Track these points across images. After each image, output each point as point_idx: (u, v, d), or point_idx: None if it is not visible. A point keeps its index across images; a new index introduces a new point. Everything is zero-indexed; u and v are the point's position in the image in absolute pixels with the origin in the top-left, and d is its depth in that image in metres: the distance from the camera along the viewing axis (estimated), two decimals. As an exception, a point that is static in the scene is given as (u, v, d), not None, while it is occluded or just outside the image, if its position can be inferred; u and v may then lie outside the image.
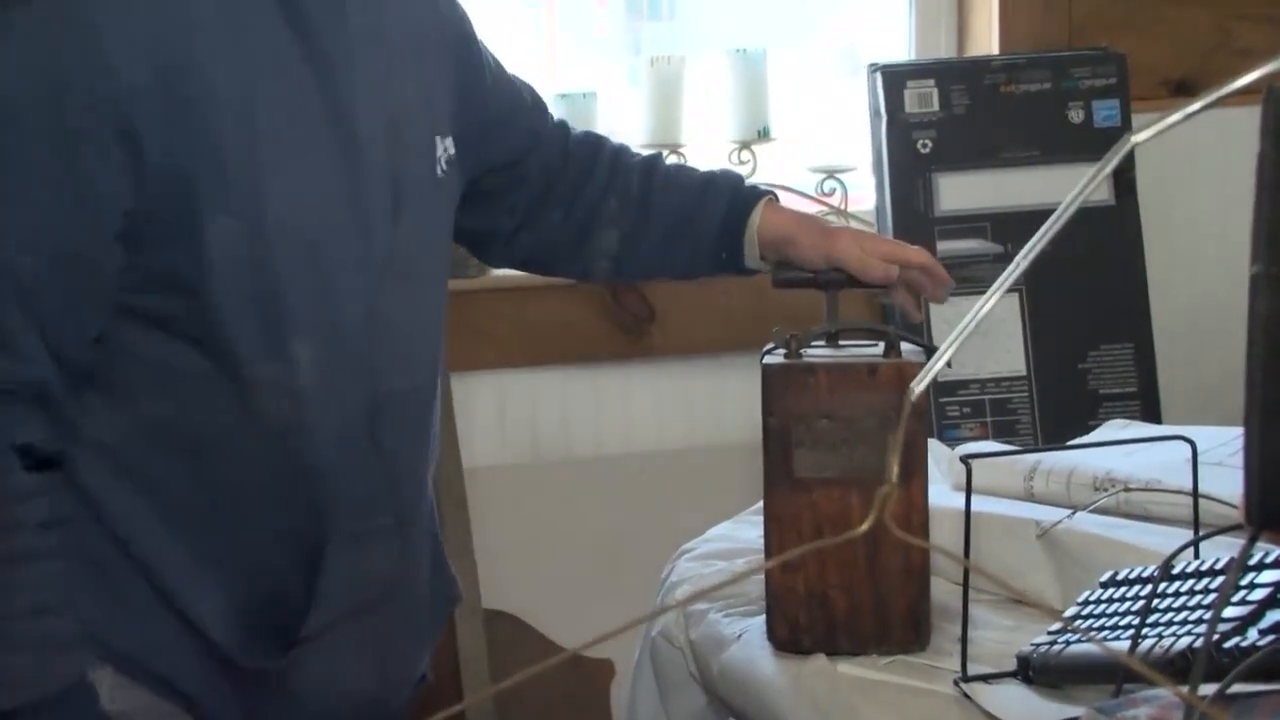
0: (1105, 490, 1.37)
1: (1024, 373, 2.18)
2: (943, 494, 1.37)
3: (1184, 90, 2.37)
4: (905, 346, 1.26)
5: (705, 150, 2.23)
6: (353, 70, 1.23)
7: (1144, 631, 1.05)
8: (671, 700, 1.41)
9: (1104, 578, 1.18)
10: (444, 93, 1.34)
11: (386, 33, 1.27)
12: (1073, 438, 1.63)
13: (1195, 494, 1.24)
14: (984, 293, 0.70)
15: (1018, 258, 0.71)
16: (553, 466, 2.28)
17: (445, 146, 1.33)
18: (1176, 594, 1.09)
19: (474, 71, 1.41)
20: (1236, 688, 0.94)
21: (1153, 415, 2.15)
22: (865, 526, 0.64)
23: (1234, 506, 1.25)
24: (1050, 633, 1.15)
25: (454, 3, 1.41)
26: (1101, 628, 1.11)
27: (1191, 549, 1.16)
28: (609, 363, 2.27)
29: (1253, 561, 1.05)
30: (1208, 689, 0.94)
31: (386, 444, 1.27)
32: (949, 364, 0.73)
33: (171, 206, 1.16)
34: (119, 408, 1.23)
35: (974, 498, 1.19)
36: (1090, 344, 2.20)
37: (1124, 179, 2.21)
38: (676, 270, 1.53)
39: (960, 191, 2.18)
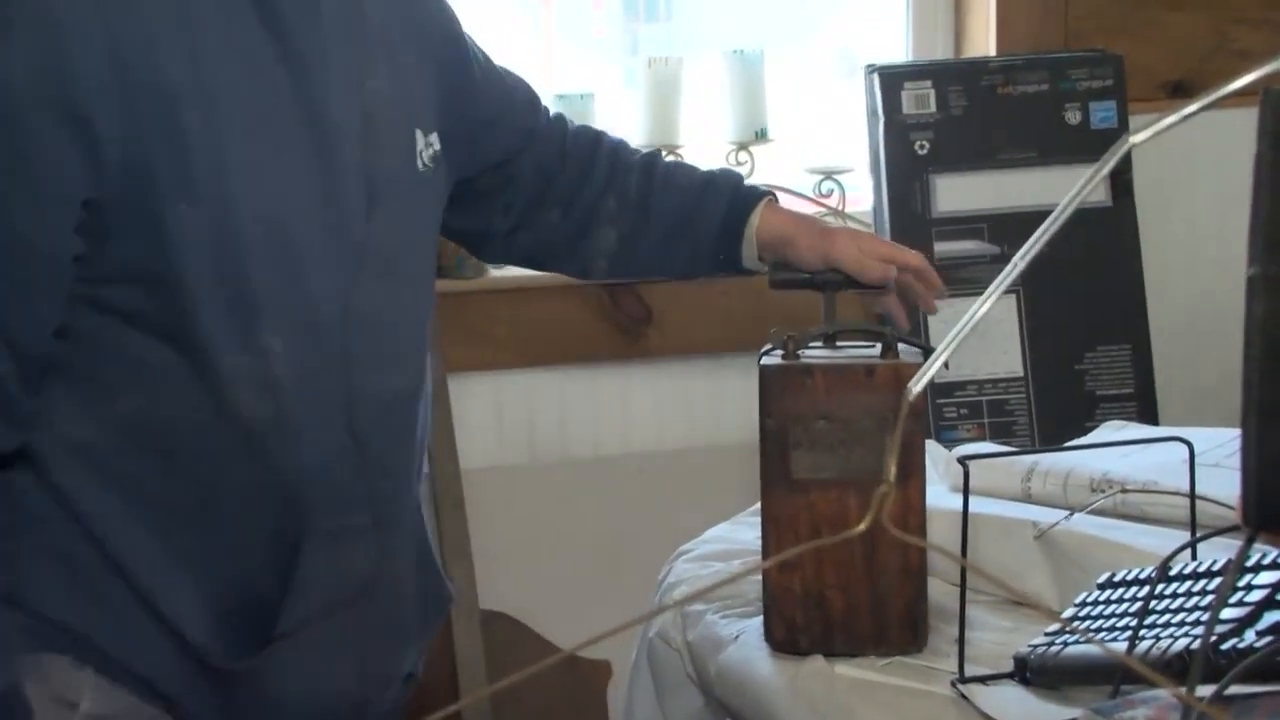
0: (1103, 491, 1.37)
1: (1021, 374, 2.18)
2: (940, 495, 1.37)
3: (1181, 92, 2.37)
4: (902, 348, 1.26)
5: (703, 151, 2.23)
6: (327, 68, 1.22)
7: (1142, 632, 1.06)
8: (669, 701, 1.41)
9: (1101, 579, 1.18)
10: (428, 90, 1.34)
11: (364, 30, 1.26)
12: (1070, 439, 1.63)
13: (1192, 495, 1.24)
14: (981, 294, 0.70)
15: (1015, 259, 0.71)
16: (550, 467, 2.28)
17: (429, 142, 1.32)
18: (1174, 595, 1.09)
19: (461, 69, 1.40)
20: (1234, 689, 0.94)
21: (1150, 416, 2.15)
22: (863, 527, 0.64)
23: (1231, 508, 1.25)
24: (1048, 634, 1.15)
25: (442, 8, 1.40)
26: (1099, 629, 1.11)
27: (1189, 550, 1.16)
28: (606, 364, 2.27)
29: (1250, 563, 1.05)
30: (1205, 690, 0.94)
31: (366, 441, 1.27)
32: (946, 365, 0.73)
33: (133, 196, 1.16)
34: (92, 405, 1.22)
35: (971, 499, 1.19)
36: (1087, 345, 2.20)
37: (1121, 180, 2.21)
38: (674, 270, 1.53)
39: (957, 192, 2.19)
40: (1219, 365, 2.22)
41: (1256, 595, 1.01)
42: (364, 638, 1.31)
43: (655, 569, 1.52)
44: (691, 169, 1.50)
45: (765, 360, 1.26)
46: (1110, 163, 0.70)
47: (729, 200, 1.44)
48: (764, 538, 1.26)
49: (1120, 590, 1.15)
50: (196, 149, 1.16)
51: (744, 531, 1.50)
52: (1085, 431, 1.72)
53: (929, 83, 2.20)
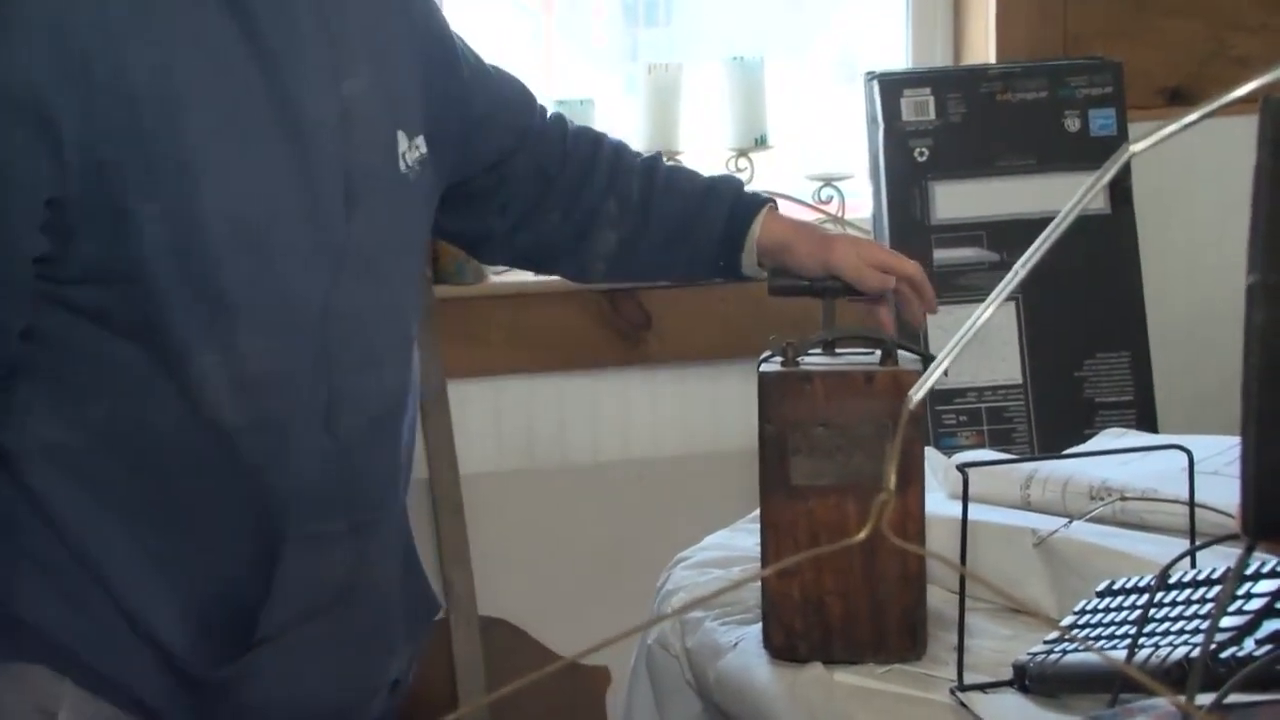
0: (1102, 499, 1.37)
1: (1020, 381, 2.18)
2: (939, 502, 1.37)
3: (1180, 99, 2.37)
4: (902, 354, 1.26)
5: (703, 157, 2.23)
6: (302, 66, 1.21)
7: (1141, 641, 1.06)
8: (667, 708, 1.40)
9: (1101, 587, 1.18)
10: (413, 93, 1.33)
11: (345, 30, 1.25)
12: (1069, 446, 1.63)
13: (1191, 503, 1.24)
14: (980, 301, 0.70)
15: (1015, 267, 0.71)
16: (549, 473, 2.28)
17: (415, 145, 1.31)
18: (1173, 603, 1.09)
19: (449, 70, 1.39)
20: (1233, 697, 0.94)
21: (1149, 424, 2.15)
22: (863, 535, 0.64)
23: (1230, 516, 1.25)
24: (1047, 642, 1.15)
25: (429, 10, 1.39)
26: (1098, 637, 1.11)
27: (1188, 558, 1.16)
28: (606, 369, 2.27)
29: (1249, 571, 1.05)
30: (1205, 698, 0.94)
31: (346, 444, 1.25)
32: (945, 372, 0.73)
33: (98, 195, 1.15)
34: (63, 408, 1.21)
35: (970, 506, 1.19)
36: (1086, 353, 2.20)
37: (1120, 188, 2.21)
38: (673, 274, 1.53)
39: (957, 199, 2.19)
40: (1218, 373, 2.22)
41: (1256, 604, 1.01)
42: (346, 645, 1.30)
43: (654, 575, 1.52)
44: (693, 174, 1.49)
45: (764, 367, 1.26)
46: (1110, 172, 0.70)
47: (730, 207, 1.43)
48: (763, 544, 1.26)
49: (1119, 598, 1.15)
50: (161, 148, 1.15)
51: (743, 538, 1.50)
52: (1084, 439, 1.71)
53: (928, 90, 2.20)
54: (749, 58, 2.27)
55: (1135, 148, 0.69)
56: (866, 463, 1.22)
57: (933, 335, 2.11)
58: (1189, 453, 1.23)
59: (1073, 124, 2.22)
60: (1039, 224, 0.70)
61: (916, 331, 2.07)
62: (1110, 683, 1.06)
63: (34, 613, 1.22)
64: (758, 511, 1.27)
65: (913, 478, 1.22)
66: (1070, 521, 1.33)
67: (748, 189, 1.48)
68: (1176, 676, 0.99)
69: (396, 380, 1.32)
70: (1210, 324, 2.31)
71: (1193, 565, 1.15)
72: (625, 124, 2.26)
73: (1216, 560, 1.15)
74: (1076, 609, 1.19)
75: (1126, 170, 2.24)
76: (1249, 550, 0.87)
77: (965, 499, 1.18)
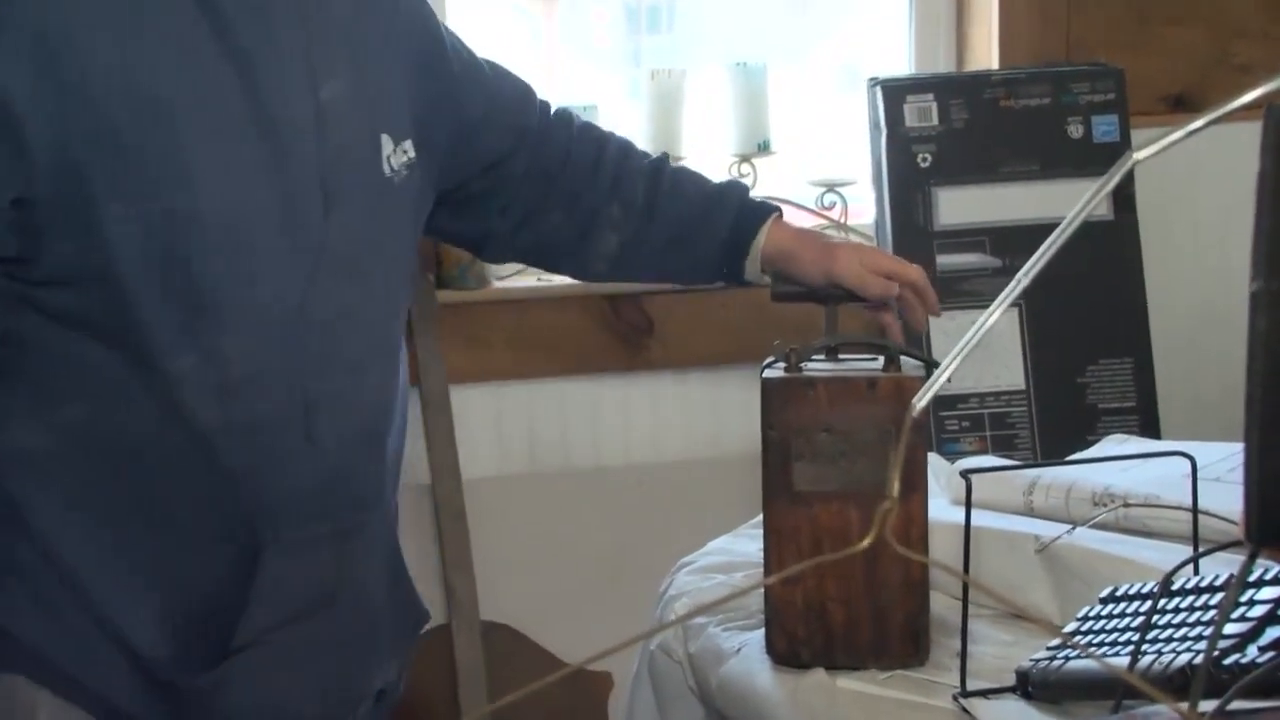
0: (1105, 505, 1.37)
1: (1023, 387, 2.18)
2: (942, 508, 1.37)
3: (1182, 105, 2.37)
4: (905, 361, 1.26)
5: (705, 162, 2.23)
6: (277, 66, 1.19)
7: (1144, 647, 1.05)
8: (670, 713, 1.40)
9: (1103, 593, 1.18)
10: (398, 95, 1.31)
11: (327, 31, 1.24)
12: (1072, 452, 1.63)
13: (1195, 510, 1.24)
14: (983, 307, 0.71)
15: (1019, 274, 0.71)
16: (551, 478, 2.28)
17: (403, 149, 1.30)
18: (1176, 610, 1.09)
19: (438, 71, 1.38)
20: (1236, 704, 0.94)
21: (1151, 430, 2.15)
22: (866, 542, 0.64)
23: (1233, 522, 1.25)
24: (1050, 648, 1.15)
25: (416, 10, 1.38)
26: (1101, 643, 1.11)
27: (1191, 565, 1.16)
28: (608, 374, 2.28)
29: (1252, 578, 1.05)
30: (1207, 705, 0.94)
31: (326, 447, 1.24)
32: (949, 379, 0.73)
33: (66, 195, 1.13)
34: (37, 412, 1.20)
35: (973, 512, 1.19)
36: (1089, 359, 2.20)
37: (1123, 195, 2.21)
38: (675, 277, 1.53)
39: (960, 205, 2.19)
40: (1220, 379, 2.23)
41: (1258, 610, 1.01)
42: (328, 652, 1.29)
43: (655, 580, 1.52)
44: (699, 178, 1.49)
45: (768, 372, 1.26)
46: (1114, 179, 0.70)
47: (735, 215, 1.43)
48: (766, 550, 1.26)
49: (1122, 605, 1.15)
50: (130, 147, 1.14)
51: (745, 543, 1.50)
52: (1087, 445, 1.72)
53: (931, 96, 2.20)
54: (752, 63, 2.28)
55: (1139, 155, 0.69)
56: (869, 469, 1.22)
57: (935, 340, 2.11)
58: (1192, 459, 1.23)
59: (1075, 130, 2.22)
60: (1042, 230, 0.70)
61: (919, 335, 2.08)
62: (1113, 689, 1.06)
63: (10, 621, 1.21)
64: (760, 517, 1.27)
65: (916, 484, 1.22)
66: (1073, 528, 1.33)
67: (753, 195, 1.48)
68: (1179, 683, 0.99)
69: (380, 385, 1.30)
70: (1212, 330, 2.32)
71: (1195, 572, 1.15)
72: (628, 129, 2.26)
73: (1219, 567, 1.15)
74: (1079, 615, 1.19)
75: (1129, 177, 2.24)
76: (1252, 557, 0.87)
77: (968, 505, 1.19)
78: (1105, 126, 2.23)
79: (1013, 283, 0.71)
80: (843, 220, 2.30)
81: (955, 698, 1.16)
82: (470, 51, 1.44)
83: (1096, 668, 1.08)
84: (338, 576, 1.28)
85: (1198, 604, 1.08)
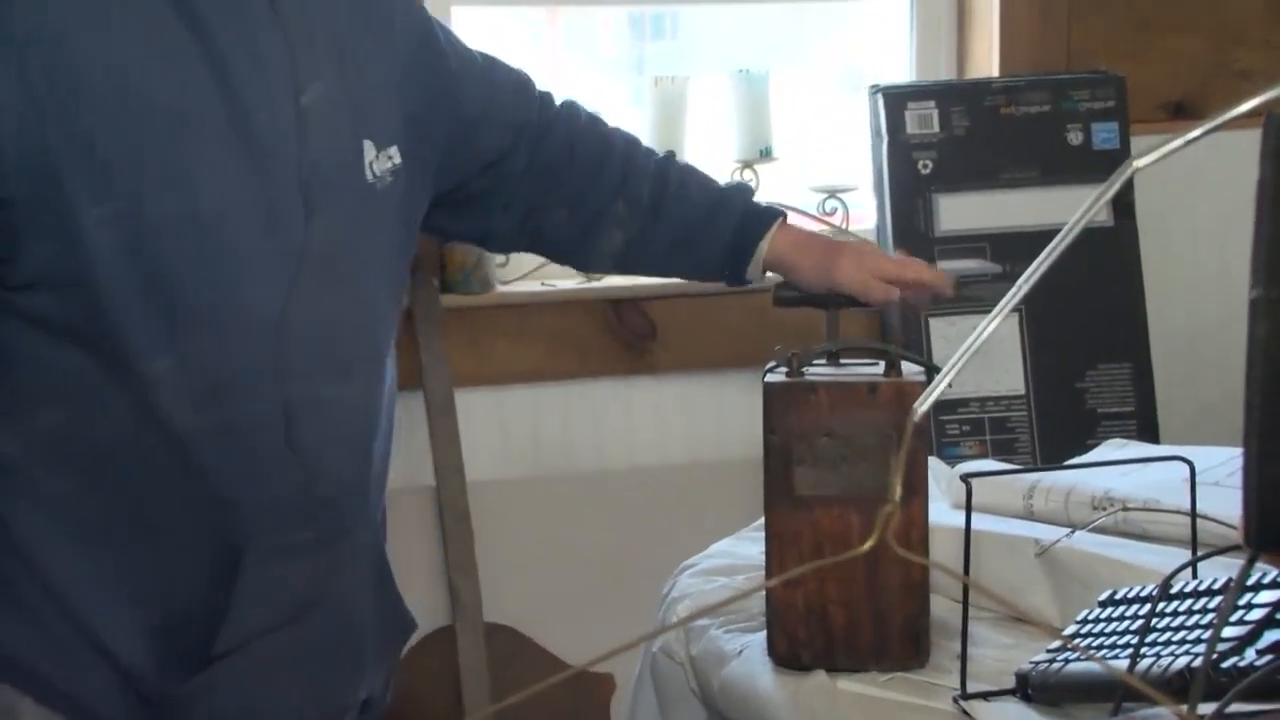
0: (1104, 509, 1.38)
1: (1023, 392, 2.19)
2: (942, 512, 1.37)
3: (1182, 113, 2.38)
4: (905, 366, 1.26)
5: (708, 168, 2.24)
6: (257, 68, 1.18)
7: (1143, 650, 1.06)
8: (672, 715, 1.41)
9: (1103, 596, 1.19)
10: (384, 101, 1.30)
11: (311, 35, 1.23)
12: (1071, 456, 1.64)
13: (1193, 514, 1.24)
14: (984, 312, 0.71)
15: (1020, 281, 0.72)
16: (554, 481, 2.28)
17: (386, 155, 1.29)
18: (1175, 613, 1.09)
19: (433, 70, 1.37)
20: (1235, 707, 0.95)
21: (1150, 434, 2.16)
22: (868, 545, 0.65)
23: (1231, 527, 1.25)
24: (1049, 651, 1.15)
25: (408, 10, 1.37)
26: (1100, 646, 1.11)
27: (1190, 569, 1.17)
28: (610, 378, 2.28)
29: (1250, 582, 1.05)
30: (1206, 708, 0.94)
31: (308, 453, 1.22)
32: (949, 384, 0.74)
33: (41, 196, 1.12)
34: (14, 421, 1.18)
35: (974, 516, 1.19)
36: (1088, 363, 2.21)
37: (1122, 202, 2.22)
38: (677, 275, 1.53)
39: (960, 211, 2.20)
40: (1219, 384, 2.23)
41: (1257, 614, 1.02)
42: (310, 660, 1.27)
43: (657, 582, 1.52)
44: (705, 179, 1.49)
45: (770, 377, 1.26)
46: (1114, 187, 0.71)
47: (739, 219, 1.44)
48: (767, 553, 1.26)
49: (1121, 608, 1.15)
50: (105, 148, 1.12)
51: (747, 546, 1.51)
52: (1086, 449, 1.72)
53: (932, 103, 2.21)
54: (754, 71, 2.29)
55: (1139, 163, 0.69)
56: (870, 473, 1.22)
57: (936, 345, 2.12)
58: (1190, 464, 1.23)
59: (1075, 137, 2.23)
60: (1042, 236, 0.71)
61: (921, 340, 2.08)
62: (1112, 692, 1.06)
63: None
64: (761, 520, 1.28)
65: (917, 488, 1.22)
66: (1073, 531, 1.33)
67: (758, 199, 1.48)
68: (1178, 686, 0.99)
69: (364, 392, 1.29)
70: (1210, 336, 2.33)
71: (1194, 575, 1.15)
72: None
73: (1217, 571, 1.15)
74: (1079, 618, 1.19)
75: (1129, 184, 2.24)
76: (1251, 561, 0.87)
77: (968, 509, 1.19)
78: (1105, 134, 2.24)
79: (1012, 290, 0.72)
80: (844, 226, 2.31)
81: (955, 700, 1.16)
82: (465, 47, 1.43)
83: (1096, 670, 1.09)
84: (320, 584, 1.26)
85: (1196, 607, 1.09)
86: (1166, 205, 2.37)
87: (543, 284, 2.26)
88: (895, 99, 2.22)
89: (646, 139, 2.25)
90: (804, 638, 1.24)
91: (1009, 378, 2.19)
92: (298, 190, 1.21)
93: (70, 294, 1.14)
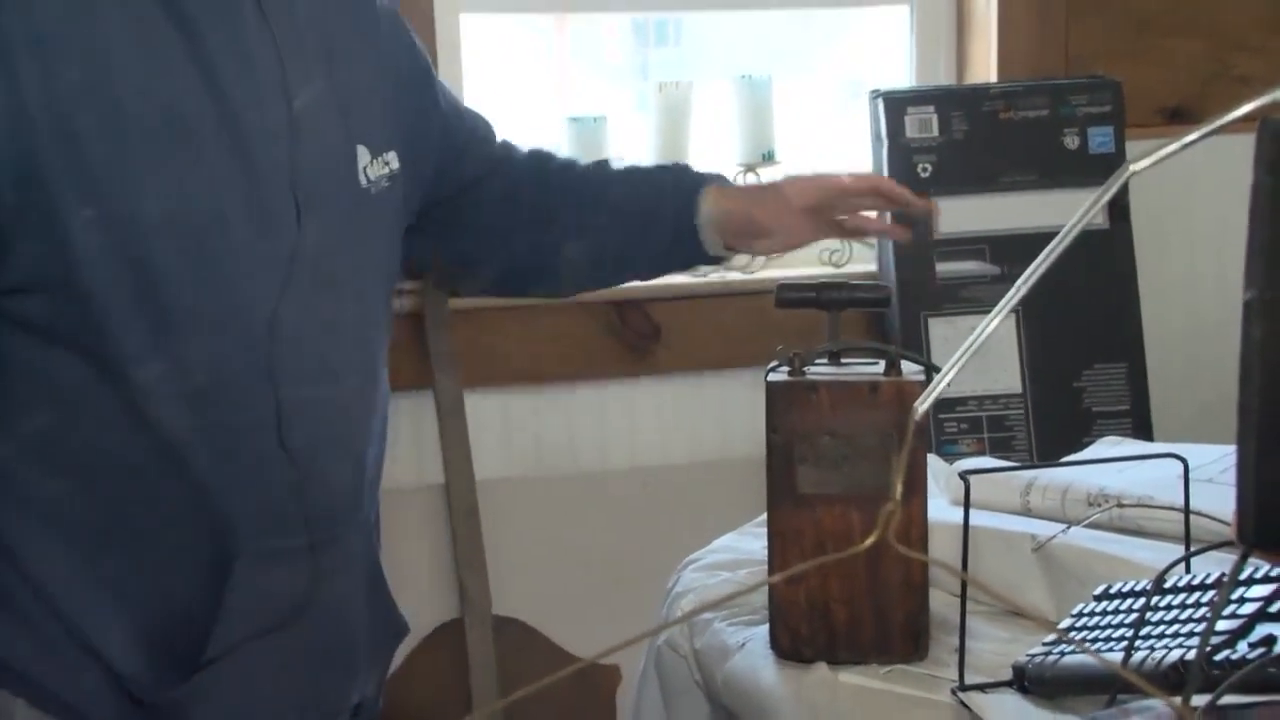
0: (1099, 506, 1.38)
1: (1020, 391, 2.20)
2: (941, 508, 1.38)
3: (1179, 118, 2.39)
4: (906, 365, 1.28)
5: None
6: (247, 71, 1.18)
7: (1137, 643, 1.06)
8: (676, 707, 1.42)
9: (1098, 591, 1.19)
10: (376, 109, 1.31)
11: (302, 39, 1.23)
12: (1067, 454, 1.65)
13: (1187, 510, 1.25)
14: (982, 313, 0.73)
15: (1017, 284, 0.73)
16: (560, 480, 2.29)
17: (383, 160, 1.29)
18: (1169, 607, 1.10)
19: (434, 99, 1.41)
20: (1228, 699, 0.95)
21: (1144, 433, 2.18)
22: (869, 543, 0.66)
23: (1224, 523, 1.27)
24: (1045, 644, 1.16)
25: (400, 32, 1.39)
26: (1096, 639, 1.12)
27: (1183, 564, 1.18)
28: (614, 379, 2.29)
29: (1242, 576, 1.06)
30: (1200, 700, 0.95)
31: (299, 457, 1.22)
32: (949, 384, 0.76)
33: (29, 200, 1.11)
34: (4, 424, 1.17)
35: (972, 512, 1.19)
36: (1084, 363, 2.23)
37: (1118, 205, 2.24)
38: (649, 271, 1.54)
39: (959, 214, 2.21)
40: (1212, 383, 2.25)
41: (1249, 608, 1.02)
42: (302, 664, 1.27)
43: (661, 578, 1.53)
44: (640, 169, 1.50)
45: (772, 376, 1.27)
46: (1111, 190, 0.73)
47: (672, 194, 1.44)
48: (770, 551, 1.27)
49: (1116, 602, 1.16)
50: (93, 151, 1.11)
51: (750, 541, 1.52)
52: (1082, 447, 1.73)
53: (932, 108, 2.23)
54: (757, 76, 2.30)
55: (1136, 166, 0.71)
56: (871, 472, 1.22)
57: (935, 345, 2.14)
58: (1184, 461, 1.24)
59: (1072, 141, 2.25)
60: (1039, 238, 0.73)
61: (921, 340, 2.09)
62: (1108, 684, 1.06)
63: None
64: (764, 515, 1.29)
65: (916, 486, 1.23)
66: (1069, 527, 1.34)
67: (692, 171, 1.49)
68: (1172, 679, 1.00)
69: (357, 395, 1.28)
70: (1204, 337, 2.35)
71: (1187, 570, 1.17)
72: (636, 140, 2.29)
73: (1210, 566, 1.16)
74: (1074, 612, 1.20)
75: (1125, 187, 2.25)
76: (1244, 557, 0.88)
77: (966, 506, 1.20)
78: (1101, 138, 2.26)
79: (1010, 292, 0.73)
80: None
81: (954, 692, 1.17)
82: (447, 88, 1.47)
83: (1091, 663, 1.09)
84: (312, 588, 1.26)
85: (1190, 601, 1.09)
86: (1164, 208, 2.38)
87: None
88: (895, 104, 2.23)
89: (651, 143, 2.27)
90: (806, 633, 1.25)
91: (1007, 377, 2.21)
92: (289, 193, 1.20)
93: (60, 296, 1.14)
